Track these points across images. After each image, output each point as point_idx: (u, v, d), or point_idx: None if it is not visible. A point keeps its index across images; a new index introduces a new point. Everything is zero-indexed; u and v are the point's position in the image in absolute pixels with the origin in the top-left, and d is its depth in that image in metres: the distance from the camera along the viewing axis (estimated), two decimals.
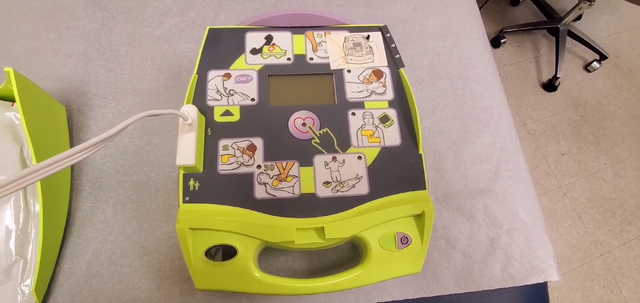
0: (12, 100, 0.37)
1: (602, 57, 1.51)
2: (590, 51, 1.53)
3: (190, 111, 0.32)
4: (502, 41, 1.54)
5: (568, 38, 1.52)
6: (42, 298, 0.34)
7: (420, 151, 0.35)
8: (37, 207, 0.34)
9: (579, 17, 1.65)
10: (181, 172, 0.32)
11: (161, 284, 0.36)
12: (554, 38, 1.56)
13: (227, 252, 0.31)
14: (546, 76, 1.50)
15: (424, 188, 0.34)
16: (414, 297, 0.38)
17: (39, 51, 0.47)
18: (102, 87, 0.45)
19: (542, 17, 1.65)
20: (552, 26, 1.54)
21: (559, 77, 1.45)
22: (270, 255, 0.38)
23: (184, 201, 0.32)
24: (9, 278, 0.33)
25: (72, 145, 0.41)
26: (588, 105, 1.46)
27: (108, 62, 0.47)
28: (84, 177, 0.40)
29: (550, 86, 1.47)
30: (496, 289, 0.39)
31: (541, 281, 0.39)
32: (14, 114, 0.36)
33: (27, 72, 0.36)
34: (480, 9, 0.65)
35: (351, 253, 0.39)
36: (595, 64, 1.52)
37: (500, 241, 0.40)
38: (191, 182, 0.32)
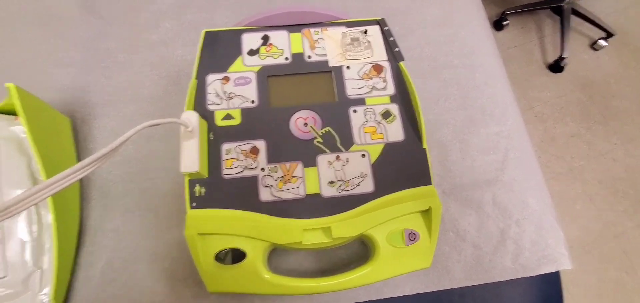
0: (16, 114, 0.37)
1: (609, 34, 1.48)
2: (596, 29, 1.51)
3: (190, 117, 0.32)
4: (504, 23, 1.52)
5: (573, 17, 1.49)
6: None
7: (424, 145, 0.35)
8: (49, 218, 0.35)
9: None
10: (186, 178, 0.33)
11: (174, 288, 0.37)
12: (558, 17, 1.54)
13: (236, 255, 0.31)
14: (552, 57, 1.49)
15: (430, 183, 0.34)
16: (425, 291, 0.38)
17: (38, 63, 0.47)
18: (104, 95, 0.45)
19: None
20: (556, 5, 1.52)
21: (565, 58, 1.43)
22: (279, 256, 0.38)
23: (191, 207, 0.32)
24: (27, 288, 0.34)
25: (78, 155, 0.42)
26: (596, 85, 1.44)
27: (107, 70, 0.47)
28: (92, 186, 0.41)
29: (556, 66, 1.45)
30: (508, 280, 0.38)
31: (553, 270, 0.39)
32: (20, 128, 0.37)
33: (29, 85, 0.36)
34: None
35: (360, 251, 0.39)
36: (601, 42, 1.49)
37: (511, 232, 0.40)
38: (197, 188, 0.33)
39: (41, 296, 0.34)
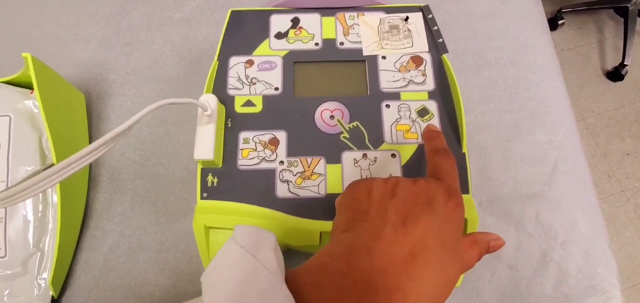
0: (32, 87, 0.38)
1: None
2: None
3: (209, 100, 0.32)
4: (559, 22, 1.45)
5: (639, 20, 1.41)
6: (59, 291, 0.36)
7: (464, 149, 0.33)
8: (55, 198, 0.36)
9: None
10: (199, 166, 0.32)
11: (177, 282, 0.37)
12: (621, 19, 1.45)
13: None
14: (611, 63, 1.41)
15: (467, 192, 0.32)
16: None
17: (59, 36, 0.48)
18: (122, 73, 0.46)
19: None
20: (621, 6, 1.43)
21: (626, 65, 1.35)
22: (291, 258, 0.37)
23: (202, 198, 0.32)
24: (26, 270, 0.34)
25: (90, 134, 0.43)
26: None
27: (128, 47, 0.47)
28: (102, 168, 0.41)
29: (615, 74, 1.37)
30: None
31: None
32: (33, 102, 0.37)
33: (47, 58, 0.37)
34: None
35: None
36: None
37: (554, 254, 0.38)
38: (209, 177, 0.32)
39: (39, 280, 0.35)
